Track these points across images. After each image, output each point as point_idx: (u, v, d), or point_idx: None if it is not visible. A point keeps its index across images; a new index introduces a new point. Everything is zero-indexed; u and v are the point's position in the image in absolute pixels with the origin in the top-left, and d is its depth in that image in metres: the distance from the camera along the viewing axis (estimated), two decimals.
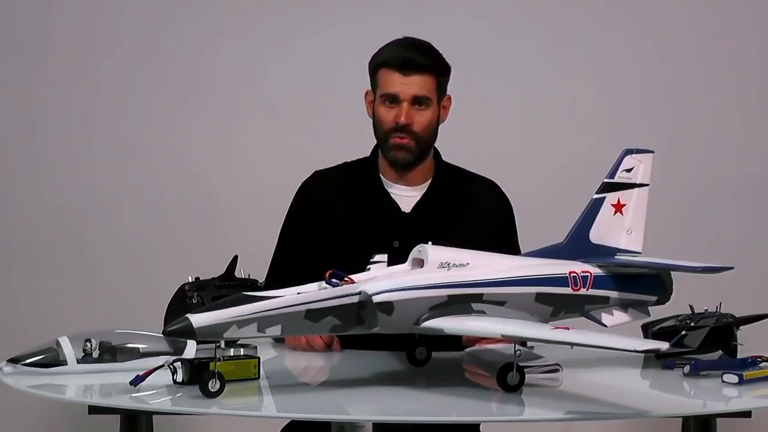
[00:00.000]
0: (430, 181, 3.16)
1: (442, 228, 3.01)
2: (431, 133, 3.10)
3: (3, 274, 4.37)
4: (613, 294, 2.66)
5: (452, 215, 3.11)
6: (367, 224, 3.08)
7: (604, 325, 2.67)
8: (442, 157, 3.22)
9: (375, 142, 3.17)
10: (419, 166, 3.13)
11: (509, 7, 4.35)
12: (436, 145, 3.18)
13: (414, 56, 3.03)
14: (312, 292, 2.34)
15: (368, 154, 3.22)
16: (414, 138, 3.05)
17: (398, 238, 3.00)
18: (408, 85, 3.02)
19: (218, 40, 4.36)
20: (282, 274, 3.07)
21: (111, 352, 2.51)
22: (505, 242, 3.07)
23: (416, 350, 2.68)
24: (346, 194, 3.15)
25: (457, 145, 3.29)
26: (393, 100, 3.04)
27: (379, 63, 3.07)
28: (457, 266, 2.47)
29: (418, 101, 3.03)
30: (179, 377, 2.36)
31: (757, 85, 4.35)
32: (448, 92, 3.13)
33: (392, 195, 3.13)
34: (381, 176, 3.16)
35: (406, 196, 3.13)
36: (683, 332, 2.73)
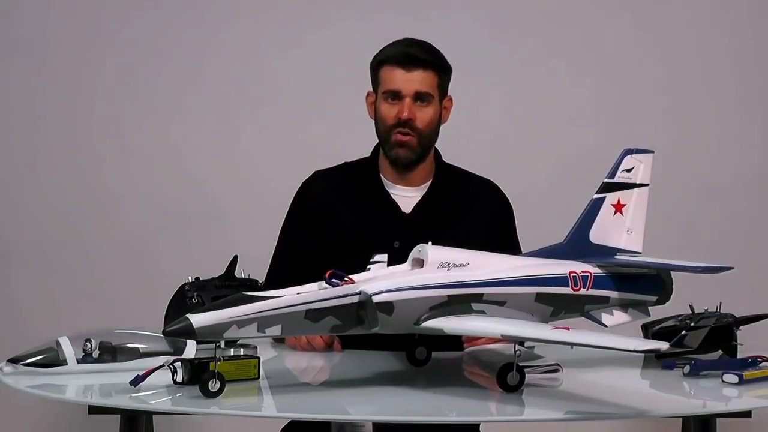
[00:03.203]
0: (430, 182, 3.16)
1: (442, 228, 3.01)
2: (433, 130, 3.10)
3: (3, 274, 4.37)
4: (613, 294, 2.66)
5: (452, 216, 3.11)
6: (367, 224, 3.08)
7: (604, 325, 2.67)
8: (443, 158, 3.22)
9: (375, 142, 3.18)
10: (420, 166, 3.13)
11: (510, 8, 4.34)
12: (436, 145, 3.18)
13: (416, 52, 3.04)
14: (312, 292, 2.34)
15: (368, 155, 3.22)
16: (416, 134, 3.05)
17: (398, 239, 3.00)
18: (410, 80, 3.02)
19: (218, 39, 4.36)
20: (282, 274, 3.07)
21: (111, 352, 2.51)
22: (506, 243, 3.07)
23: (416, 350, 2.67)
24: (345, 194, 3.15)
25: (458, 145, 3.29)
26: (395, 96, 3.04)
27: (381, 60, 3.08)
28: (457, 266, 2.46)
29: (420, 97, 3.04)
30: (179, 377, 2.36)
31: (757, 85, 4.35)
32: (449, 93, 3.14)
33: (393, 195, 3.13)
34: (381, 176, 3.16)
35: (407, 197, 3.13)
36: (683, 332, 2.73)
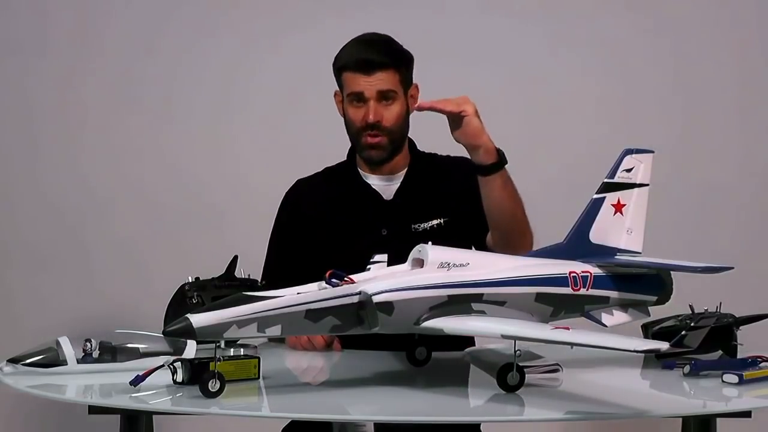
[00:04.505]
0: (407, 169, 3.20)
1: (426, 208, 3.10)
2: (401, 125, 3.13)
3: (2, 274, 4.37)
4: (613, 294, 2.66)
5: (433, 195, 3.15)
6: (353, 218, 3.13)
7: (604, 325, 2.66)
8: (419, 148, 3.26)
9: None
10: (395, 159, 3.17)
11: (510, 5, 4.34)
12: (412, 136, 3.22)
13: (373, 56, 3.05)
14: (312, 292, 2.34)
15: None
16: (385, 134, 3.09)
17: (385, 226, 3.08)
18: (371, 83, 3.05)
19: (215, 40, 4.36)
20: (274, 282, 3.07)
21: (111, 352, 2.51)
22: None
23: (416, 350, 2.68)
24: (329, 195, 3.20)
25: (456, 144, 3.29)
26: (359, 98, 3.07)
27: (340, 66, 3.11)
28: (457, 266, 2.46)
29: (384, 96, 3.07)
30: (179, 377, 2.36)
31: (758, 84, 4.34)
32: (415, 81, 3.17)
33: (374, 186, 3.18)
34: (360, 170, 3.20)
35: (387, 185, 3.18)
36: (683, 332, 2.72)
